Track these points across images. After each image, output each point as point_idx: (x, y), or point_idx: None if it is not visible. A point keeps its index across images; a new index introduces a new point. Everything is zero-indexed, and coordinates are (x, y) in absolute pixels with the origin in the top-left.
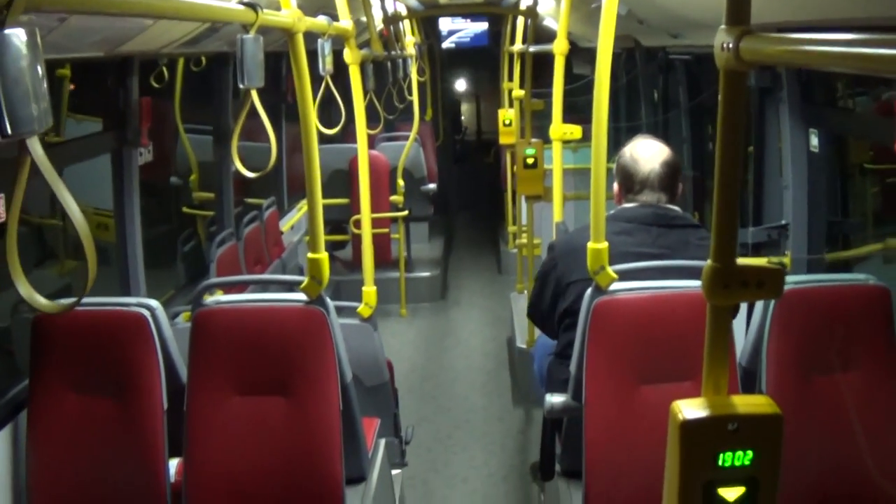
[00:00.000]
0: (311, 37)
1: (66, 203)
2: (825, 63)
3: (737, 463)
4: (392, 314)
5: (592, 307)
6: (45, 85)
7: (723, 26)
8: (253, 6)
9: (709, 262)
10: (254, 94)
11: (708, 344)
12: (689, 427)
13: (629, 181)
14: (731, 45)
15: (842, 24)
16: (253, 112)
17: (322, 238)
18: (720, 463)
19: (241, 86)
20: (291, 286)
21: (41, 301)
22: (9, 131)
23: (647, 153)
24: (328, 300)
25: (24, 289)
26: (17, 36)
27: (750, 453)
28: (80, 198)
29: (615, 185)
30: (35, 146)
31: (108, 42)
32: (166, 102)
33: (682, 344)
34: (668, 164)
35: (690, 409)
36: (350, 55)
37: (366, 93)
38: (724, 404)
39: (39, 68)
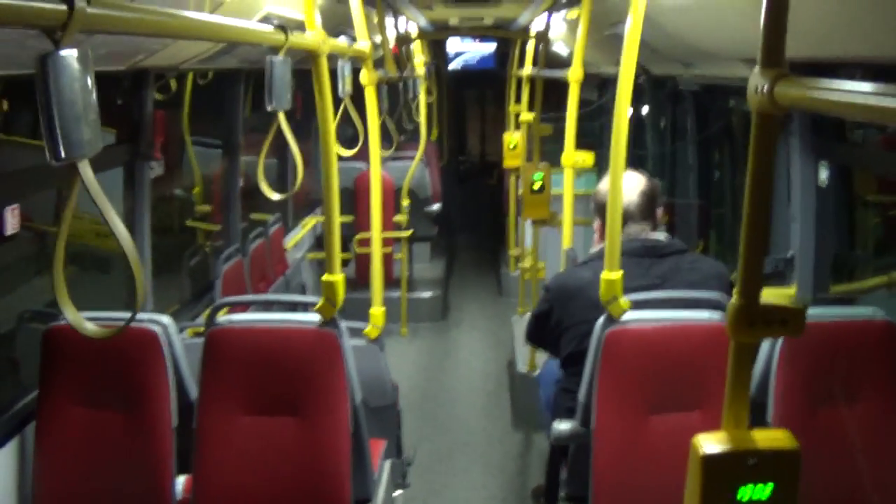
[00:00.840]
0: (328, 58)
1: (114, 224)
2: (863, 114)
3: (755, 497)
4: (393, 333)
5: (604, 336)
6: (96, 104)
7: (757, 69)
8: (283, 28)
9: (734, 299)
10: (281, 115)
11: (730, 379)
12: (710, 461)
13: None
14: (765, 89)
15: (850, 61)
16: (262, 129)
17: (339, 259)
18: (739, 497)
19: (269, 108)
20: (305, 307)
21: (89, 327)
22: (62, 155)
23: (635, 186)
24: (341, 323)
25: (72, 314)
26: (72, 56)
27: (769, 487)
28: (80, 206)
29: (595, 221)
30: (86, 169)
31: (130, 56)
32: (172, 115)
33: (692, 373)
34: (645, 193)
35: (711, 443)
36: (367, 76)
37: (380, 114)
38: (744, 439)
39: (91, 89)
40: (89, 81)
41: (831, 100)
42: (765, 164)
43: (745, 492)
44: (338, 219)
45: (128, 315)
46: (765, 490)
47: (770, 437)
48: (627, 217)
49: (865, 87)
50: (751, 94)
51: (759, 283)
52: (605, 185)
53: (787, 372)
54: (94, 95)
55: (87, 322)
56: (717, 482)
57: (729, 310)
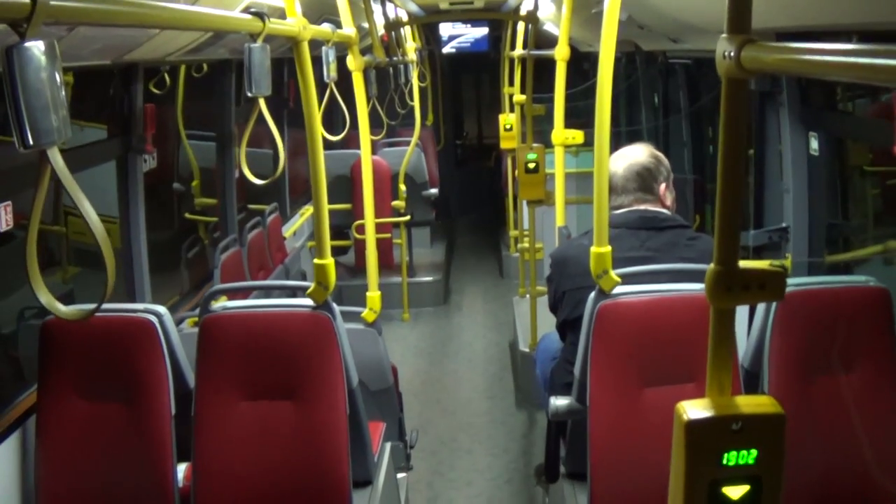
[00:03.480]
0: (314, 44)
1: (86, 212)
2: (824, 72)
3: (741, 462)
4: (394, 319)
5: (596, 311)
6: (64, 95)
7: (724, 35)
8: (260, 15)
9: (711, 265)
10: (261, 101)
11: (711, 346)
12: (693, 427)
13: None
14: (732, 54)
15: (836, 28)
16: (258, 119)
17: (328, 244)
18: (724, 462)
19: (248, 94)
20: (298, 292)
21: (62, 308)
22: (31, 142)
23: (624, 159)
24: (334, 305)
25: (45, 297)
26: (38, 48)
27: (754, 452)
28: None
29: None
30: (55, 156)
31: (115, 50)
32: (167, 108)
33: (684, 346)
34: (645, 166)
35: (695, 409)
36: (353, 62)
37: (369, 99)
38: (728, 404)
39: (58, 79)
40: (56, 72)
41: (794, 59)
42: (736, 129)
43: (731, 457)
44: (326, 204)
45: (124, 305)
46: (750, 455)
47: (754, 403)
48: (620, 189)
49: (824, 47)
50: (719, 59)
51: (735, 248)
52: (613, 159)
53: (782, 341)
54: (63, 85)
55: (59, 304)
56: (702, 448)
57: (707, 276)
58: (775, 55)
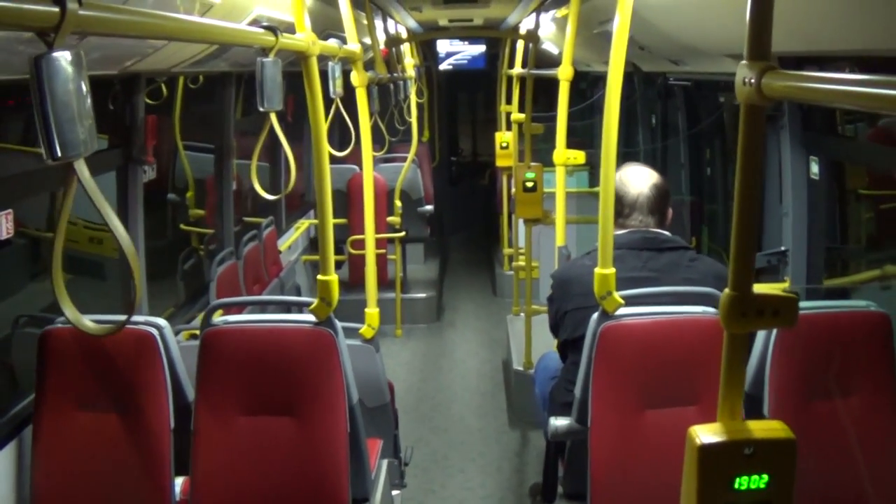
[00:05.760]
0: (318, 59)
1: (113, 225)
2: (846, 102)
3: (752, 486)
4: (387, 335)
5: (599, 332)
6: (90, 106)
7: (744, 62)
8: (273, 30)
9: (726, 290)
10: (272, 116)
11: (724, 370)
12: (706, 451)
13: (619, 205)
14: (752, 81)
15: (842, 54)
16: (253, 132)
17: (332, 260)
18: (736, 487)
19: (260, 108)
20: (300, 307)
21: (88, 324)
22: (58, 154)
23: (637, 178)
24: (336, 322)
25: (71, 311)
26: (65, 58)
27: (765, 477)
28: (74, 212)
29: None
30: (82, 168)
31: (122, 60)
32: (164, 120)
33: (687, 368)
34: (657, 187)
35: (707, 433)
36: (357, 78)
37: (371, 115)
38: (740, 429)
39: (84, 90)
40: (83, 82)
41: (815, 88)
42: (754, 155)
43: (742, 482)
44: (331, 220)
45: (124, 317)
46: (761, 480)
47: (766, 428)
48: (634, 208)
49: (846, 77)
50: (738, 86)
51: (750, 275)
52: (617, 175)
53: (782, 365)
54: (89, 96)
55: (86, 319)
56: (714, 472)
57: (721, 301)
58: (797, 83)
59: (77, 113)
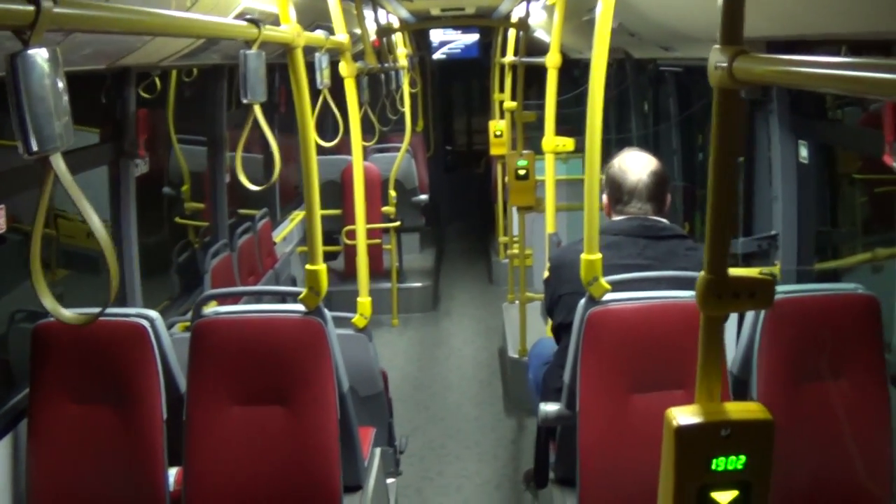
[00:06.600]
0: (306, 50)
1: (89, 217)
2: (815, 84)
3: (730, 467)
4: (384, 324)
5: (586, 317)
6: (67, 101)
7: (717, 46)
8: (255, 22)
9: (702, 273)
10: (256, 108)
11: (701, 353)
12: (683, 433)
13: (618, 192)
14: (724, 65)
15: (826, 38)
16: (250, 124)
17: (320, 250)
18: (713, 467)
19: (244, 100)
20: (290, 297)
21: (65, 313)
22: (34, 149)
23: (636, 164)
24: (326, 311)
25: (49, 301)
26: (41, 55)
27: (742, 458)
28: (72, 208)
29: (604, 197)
30: (58, 162)
31: (110, 55)
32: (158, 113)
33: (673, 353)
34: (656, 174)
35: (684, 415)
36: (346, 68)
37: (361, 105)
38: (717, 411)
39: (61, 86)
40: (59, 79)
41: (786, 70)
42: (728, 139)
43: (720, 463)
44: (318, 210)
45: (116, 310)
46: (738, 461)
47: (743, 409)
48: (633, 195)
49: (817, 59)
50: (711, 70)
51: (725, 256)
52: (616, 162)
53: (771, 348)
54: (65, 91)
55: (63, 310)
56: (691, 454)
57: (697, 284)
58: (767, 66)
59: (53, 108)
